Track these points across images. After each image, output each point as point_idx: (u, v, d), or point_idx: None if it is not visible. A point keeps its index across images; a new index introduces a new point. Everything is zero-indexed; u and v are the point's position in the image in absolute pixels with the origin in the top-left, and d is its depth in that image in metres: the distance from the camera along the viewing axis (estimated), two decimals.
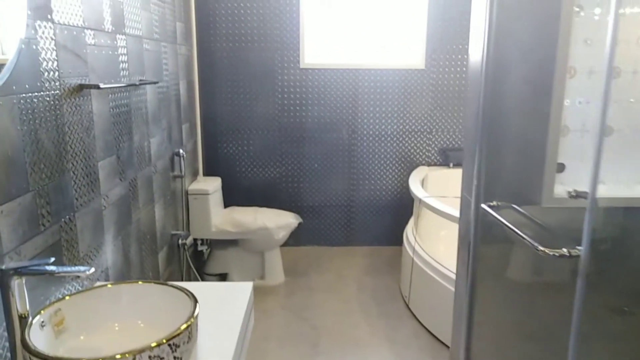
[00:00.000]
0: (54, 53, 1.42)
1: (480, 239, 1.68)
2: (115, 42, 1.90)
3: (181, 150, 2.76)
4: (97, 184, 1.72)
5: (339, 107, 3.65)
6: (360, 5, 3.52)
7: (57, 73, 1.44)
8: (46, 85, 1.37)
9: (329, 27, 3.60)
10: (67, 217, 1.49)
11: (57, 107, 1.44)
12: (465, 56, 3.58)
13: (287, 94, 3.60)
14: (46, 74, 1.38)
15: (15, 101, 1.21)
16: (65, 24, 1.49)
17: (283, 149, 3.70)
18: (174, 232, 2.69)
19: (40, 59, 1.34)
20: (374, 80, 3.60)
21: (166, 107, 2.60)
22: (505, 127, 1.63)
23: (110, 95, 1.85)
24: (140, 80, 2.18)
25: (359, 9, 3.53)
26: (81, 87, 1.59)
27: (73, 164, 1.54)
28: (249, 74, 3.55)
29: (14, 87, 1.21)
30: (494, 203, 1.55)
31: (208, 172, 3.56)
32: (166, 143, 2.59)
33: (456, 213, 2.51)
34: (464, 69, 3.60)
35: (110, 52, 1.85)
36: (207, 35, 3.46)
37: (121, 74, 1.96)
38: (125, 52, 2.00)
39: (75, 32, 1.56)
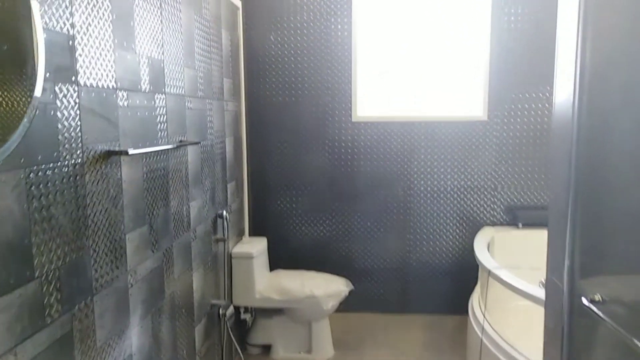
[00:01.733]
0: (77, 118, 1.28)
1: (577, 339, 1.33)
2: (153, 103, 1.77)
3: (225, 212, 2.59)
4: (123, 259, 1.54)
5: (393, 162, 3.40)
6: (416, 53, 3.32)
7: (79, 140, 1.29)
8: (65, 154, 1.22)
9: (383, 78, 3.42)
10: (83, 302, 1.30)
11: (78, 177, 1.28)
12: (533, 105, 3.27)
13: (338, 148, 3.41)
14: (66, 142, 1.23)
15: (22, 176, 1.05)
16: (93, 86, 1.36)
17: (333, 207, 3.46)
18: (214, 301, 2.47)
19: (59, 125, 1.20)
20: (431, 133, 3.34)
21: (210, 167, 2.45)
22: (612, 190, 1.29)
23: (144, 160, 1.70)
24: (181, 141, 2.04)
25: (415, 57, 3.33)
26: (109, 154, 1.44)
27: (94, 240, 1.36)
28: (299, 128, 3.40)
29: (22, 160, 1.05)
30: (598, 297, 1.21)
31: (254, 232, 3.37)
32: (209, 205, 2.43)
33: (535, 292, 2.15)
34: (531, 119, 3.28)
35: (146, 114, 1.72)
36: (256, 90, 3.36)
37: (159, 135, 1.82)
38: (164, 112, 1.87)
39: (105, 94, 1.43)
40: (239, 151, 3.02)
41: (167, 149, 1.87)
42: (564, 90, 1.38)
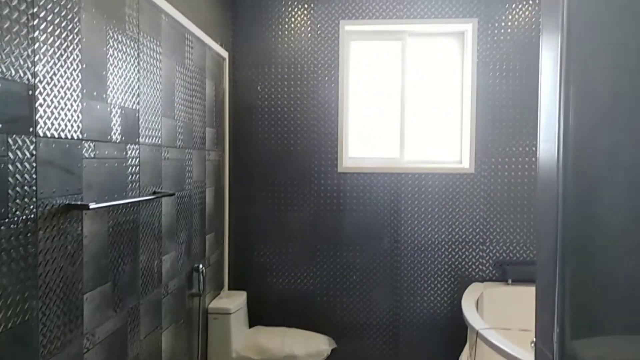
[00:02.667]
0: (33, 171, 1.21)
1: None
2: (124, 153, 1.71)
3: (201, 266, 2.47)
4: (79, 321, 1.42)
5: (380, 214, 3.33)
6: (402, 103, 3.33)
7: (34, 194, 1.21)
8: (15, 210, 1.14)
9: (370, 129, 3.41)
10: None
11: (29, 234, 1.19)
12: (520, 159, 3.24)
13: (323, 199, 3.34)
14: (17, 196, 1.15)
15: None
16: (54, 137, 1.30)
17: (318, 259, 3.35)
18: None
19: (10, 179, 1.12)
20: (418, 185, 3.29)
21: (187, 218, 2.36)
22: (601, 251, 1.22)
23: (110, 213, 1.62)
24: (155, 192, 1.97)
25: (401, 107, 3.33)
26: (69, 208, 1.36)
27: (44, 302, 1.25)
28: (284, 178, 3.34)
29: None
30: None
31: (234, 285, 3.23)
32: (184, 259, 2.32)
33: (525, 357, 2.03)
34: (518, 172, 3.25)
35: (116, 165, 1.65)
36: (241, 140, 3.32)
37: (129, 187, 1.75)
38: (136, 162, 1.80)
39: (68, 146, 1.36)
40: (220, 201, 2.94)
41: (138, 201, 1.79)
42: (548, 151, 1.33)
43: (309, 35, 3.28)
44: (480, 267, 3.31)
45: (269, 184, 3.34)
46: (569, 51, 1.28)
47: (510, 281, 3.22)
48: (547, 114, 1.39)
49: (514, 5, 3.19)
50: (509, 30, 3.20)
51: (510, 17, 3.20)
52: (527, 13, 3.19)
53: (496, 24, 3.20)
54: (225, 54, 2.96)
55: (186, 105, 2.34)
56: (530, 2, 3.19)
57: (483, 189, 3.27)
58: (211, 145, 2.75)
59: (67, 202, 1.35)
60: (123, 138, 1.70)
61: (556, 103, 1.31)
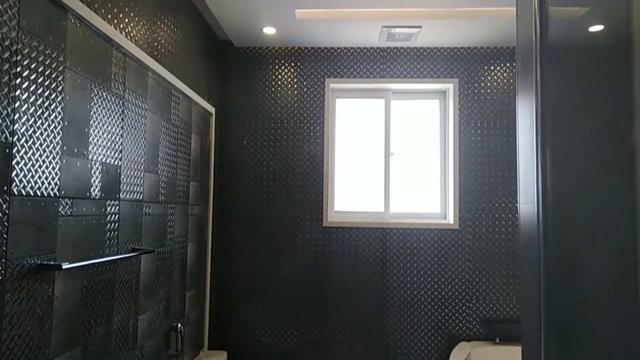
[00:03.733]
0: (4, 231, 1.17)
1: None
2: (103, 210, 1.68)
3: (179, 325, 2.38)
4: None
5: (366, 269, 3.28)
6: (385, 160, 3.36)
7: (3, 255, 1.17)
8: None
9: (355, 183, 3.42)
10: None
11: None
12: (503, 215, 3.26)
13: (308, 253, 3.29)
14: None
15: None
16: (30, 195, 1.27)
17: (302, 316, 3.26)
18: None
19: None
20: (404, 240, 3.28)
21: (166, 275, 2.30)
22: (585, 309, 1.20)
23: (84, 272, 1.56)
24: (133, 249, 1.92)
25: (385, 163, 3.37)
26: (40, 268, 1.31)
27: None
28: (268, 232, 3.30)
29: None
30: None
31: (214, 345, 3.12)
32: (162, 318, 2.24)
33: None
34: (502, 229, 3.26)
35: (94, 222, 1.61)
36: (226, 194, 3.31)
37: (107, 244, 1.70)
38: (116, 219, 1.77)
39: (44, 204, 1.33)
40: (202, 257, 2.88)
41: (116, 260, 1.74)
42: (528, 213, 1.34)
43: (296, 92, 3.35)
44: (467, 324, 3.25)
45: (253, 238, 3.30)
46: (543, 115, 1.32)
47: (497, 340, 3.15)
48: (525, 177, 1.41)
49: (492, 67, 3.31)
50: (488, 90, 3.31)
51: (489, 77, 3.31)
52: (504, 74, 3.31)
53: (476, 84, 3.31)
54: (212, 109, 3.00)
55: (170, 160, 2.33)
56: (508, 64, 3.32)
57: (468, 245, 3.27)
58: (195, 200, 2.73)
59: (39, 262, 1.31)
60: (103, 194, 1.67)
61: (534, 166, 1.33)
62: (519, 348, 3.09)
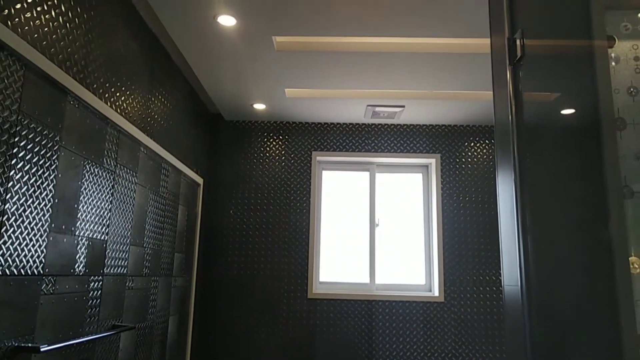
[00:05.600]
0: None
1: None
2: (86, 286, 1.66)
3: None
4: None
5: (352, 342, 3.21)
6: (370, 231, 3.40)
7: None
8: None
9: (339, 254, 3.43)
10: None
11: None
12: (487, 288, 3.27)
13: (292, 326, 3.22)
14: None
15: None
16: (14, 274, 1.26)
17: None
18: None
19: None
20: (390, 313, 3.24)
21: (146, 352, 2.23)
22: None
23: (62, 352, 1.52)
24: (114, 325, 1.88)
25: (370, 235, 3.40)
26: (17, 351, 1.28)
27: None
28: (252, 304, 3.25)
29: None
30: None
31: None
32: None
33: None
34: (487, 302, 3.26)
35: (75, 299, 1.59)
36: (210, 264, 3.28)
37: (87, 321, 1.67)
38: (98, 295, 1.74)
39: (26, 283, 1.32)
40: (183, 330, 2.81)
41: (95, 339, 1.70)
42: (513, 296, 1.37)
43: (284, 163, 3.43)
44: None
45: (237, 309, 3.24)
46: (523, 199, 1.38)
47: None
48: (508, 259, 1.45)
49: (472, 144, 3.45)
50: (469, 165, 3.43)
51: (470, 153, 3.44)
52: (485, 150, 3.45)
53: (457, 159, 3.43)
54: (200, 180, 3.04)
55: (156, 232, 2.33)
56: (487, 141, 3.47)
57: (454, 318, 3.24)
58: (178, 271, 2.70)
59: (16, 344, 1.28)
60: (87, 270, 1.66)
61: (516, 250, 1.37)
62: None
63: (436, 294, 3.27)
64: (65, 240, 1.52)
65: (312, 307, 3.26)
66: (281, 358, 3.17)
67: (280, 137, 3.47)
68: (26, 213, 1.32)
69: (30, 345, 1.33)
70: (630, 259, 1.05)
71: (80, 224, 1.62)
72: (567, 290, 1.26)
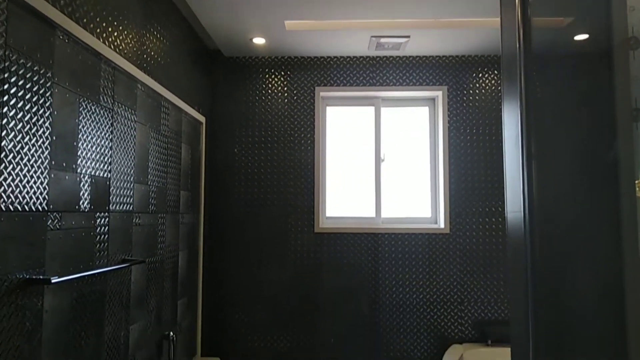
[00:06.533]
0: None
1: None
2: (92, 222, 1.70)
3: (172, 333, 2.40)
4: None
5: (358, 274, 3.30)
6: (376, 166, 3.39)
7: None
8: None
9: (345, 189, 3.45)
10: None
11: None
12: (493, 219, 3.30)
13: (300, 259, 3.31)
14: None
15: None
16: (18, 210, 1.29)
17: (295, 322, 3.28)
18: None
19: None
20: (395, 245, 3.30)
21: (158, 284, 2.32)
22: (573, 312, 1.24)
23: (74, 285, 1.58)
24: (124, 260, 1.94)
25: (376, 170, 3.40)
26: (28, 283, 1.33)
27: None
28: (260, 239, 3.32)
29: None
30: None
31: (207, 352, 3.13)
32: (153, 327, 2.25)
33: None
34: (492, 232, 3.29)
35: (83, 234, 1.63)
36: (217, 202, 3.33)
37: (97, 256, 1.72)
38: (105, 231, 1.79)
39: (32, 218, 1.35)
40: (193, 265, 2.90)
41: (106, 271, 1.76)
42: (515, 222, 1.37)
43: (286, 100, 3.38)
44: (459, 327, 3.27)
45: (245, 245, 3.32)
46: (529, 126, 1.35)
47: (489, 342, 3.18)
48: (512, 186, 1.44)
49: (480, 75, 3.35)
50: (477, 97, 3.35)
51: (477, 85, 3.35)
52: (493, 82, 3.35)
53: (465, 92, 3.35)
54: (202, 118, 3.02)
55: (160, 170, 2.35)
56: (496, 72, 3.36)
57: (459, 249, 3.30)
58: (185, 208, 2.74)
59: (27, 276, 1.32)
60: (92, 207, 1.69)
61: (520, 177, 1.36)
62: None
63: (442, 225, 3.31)
64: (67, 177, 1.54)
65: (319, 241, 3.33)
66: (290, 289, 3.29)
67: (282, 73, 3.40)
68: (24, 150, 1.33)
69: (41, 277, 1.38)
70: (636, 182, 1.03)
71: (81, 161, 1.63)
72: (570, 216, 1.26)
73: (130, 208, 2.01)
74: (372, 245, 3.31)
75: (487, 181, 3.31)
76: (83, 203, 1.64)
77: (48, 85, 1.44)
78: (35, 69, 1.37)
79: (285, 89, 3.39)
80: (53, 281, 1.34)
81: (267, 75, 3.40)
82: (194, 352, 2.92)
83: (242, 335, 3.27)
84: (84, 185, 1.64)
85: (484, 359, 3.10)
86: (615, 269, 1.06)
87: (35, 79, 1.37)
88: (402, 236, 3.31)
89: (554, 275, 1.28)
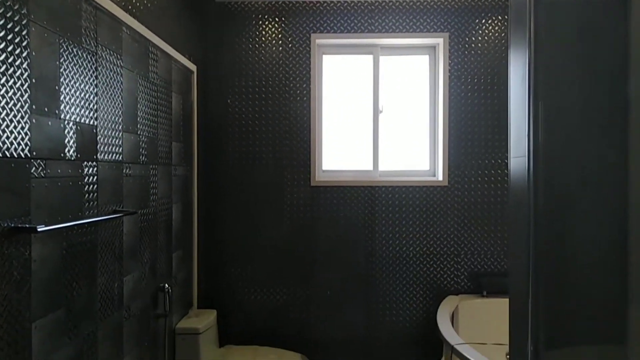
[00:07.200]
0: None
1: None
2: (80, 171, 1.63)
3: (167, 285, 2.39)
4: (26, 352, 1.33)
5: (354, 227, 3.28)
6: (374, 118, 3.31)
7: None
8: None
9: (343, 142, 3.38)
10: None
11: None
12: (492, 171, 3.25)
13: (296, 213, 3.28)
14: None
15: None
16: None
17: (291, 275, 3.29)
18: None
19: None
20: (392, 198, 3.27)
21: (151, 236, 2.28)
22: (575, 262, 1.20)
23: (64, 234, 1.53)
24: (115, 210, 1.88)
25: (374, 121, 3.32)
26: (14, 232, 1.27)
27: None
28: (255, 192, 3.28)
29: None
30: None
31: (204, 304, 3.14)
32: (148, 278, 2.23)
33: None
34: (491, 185, 3.26)
35: (70, 183, 1.57)
36: (210, 154, 3.25)
37: (86, 206, 1.67)
38: (94, 180, 1.72)
39: (13, 165, 1.29)
40: (188, 217, 2.86)
41: (96, 221, 1.71)
42: (519, 167, 1.31)
43: (280, 48, 3.25)
44: (455, 279, 3.29)
45: (240, 198, 3.28)
46: (536, 67, 1.27)
47: (485, 293, 3.21)
48: (517, 130, 1.37)
49: (483, 21, 3.22)
50: (479, 45, 3.22)
51: (480, 32, 3.22)
52: (496, 28, 3.22)
53: (467, 39, 3.22)
54: (193, 67, 2.90)
55: (150, 119, 2.26)
56: (500, 17, 3.22)
57: (457, 202, 3.27)
58: (178, 160, 2.68)
59: (12, 224, 1.27)
60: (79, 155, 1.62)
61: (525, 119, 1.29)
62: (506, 300, 3.15)
63: (440, 178, 3.27)
64: (50, 123, 1.46)
65: (315, 195, 3.29)
66: (286, 242, 3.27)
67: (277, 20, 3.25)
68: (1, 92, 1.24)
69: (27, 226, 1.32)
70: None
71: (65, 107, 1.54)
72: (577, 160, 1.19)
73: (120, 158, 1.94)
74: (369, 199, 3.28)
75: (488, 132, 3.24)
76: (69, 151, 1.56)
77: (24, 22, 1.34)
78: (7, 4, 1.27)
79: (280, 35, 3.25)
80: (39, 230, 1.29)
81: (260, 22, 3.25)
82: (190, 304, 2.93)
83: (239, 288, 3.28)
84: (68, 132, 1.56)
85: (479, 310, 3.14)
86: (623, 219, 1.01)
87: (8, 15, 1.27)
88: (400, 189, 3.27)
89: (557, 225, 1.23)
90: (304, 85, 3.25)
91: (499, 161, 3.26)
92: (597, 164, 1.17)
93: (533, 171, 1.24)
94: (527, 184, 1.25)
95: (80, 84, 1.63)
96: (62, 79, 1.53)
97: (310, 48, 3.24)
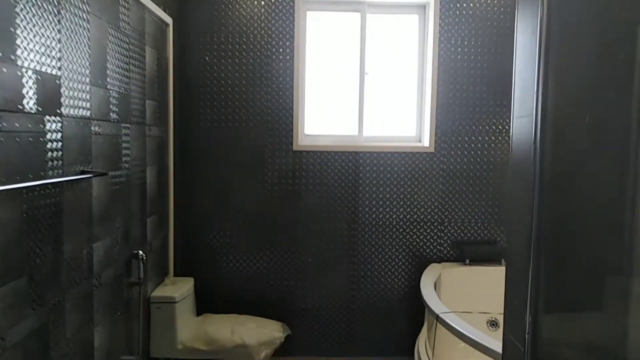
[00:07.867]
0: None
1: None
2: (41, 126, 1.46)
3: (141, 252, 2.25)
4: None
5: (337, 193, 3.18)
6: (360, 80, 3.17)
7: None
8: None
9: (326, 105, 3.24)
10: None
11: None
12: (480, 138, 3.17)
13: (277, 178, 3.16)
14: None
15: None
16: None
17: (271, 241, 3.19)
18: (124, 357, 2.12)
19: None
20: (377, 164, 3.17)
21: (124, 201, 2.13)
22: (580, 239, 1.12)
23: (24, 195, 1.38)
24: (83, 171, 1.73)
25: (360, 84, 3.18)
26: None
27: None
28: (235, 156, 3.13)
29: None
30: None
31: (180, 272, 3.03)
32: (120, 245, 2.10)
33: (489, 343, 1.95)
34: (478, 152, 3.18)
35: (30, 139, 1.41)
36: (187, 115, 3.07)
37: (49, 165, 1.51)
38: (58, 137, 1.56)
39: None
40: (163, 181, 2.71)
41: (60, 182, 1.55)
42: (523, 128, 1.20)
43: (263, 2, 3.05)
44: (438, 247, 3.25)
45: (219, 162, 3.12)
46: (549, 18, 1.15)
47: (467, 261, 3.18)
48: (522, 88, 1.25)
49: None
50: (472, 5, 3.08)
51: None
52: None
53: None
54: (169, 19, 2.69)
55: (121, 74, 2.08)
56: None
57: (442, 169, 3.19)
58: (152, 120, 2.50)
59: None
60: (39, 109, 1.45)
61: (534, 75, 1.17)
62: (488, 268, 3.14)
63: (426, 144, 3.17)
64: (4, 69, 1.28)
65: (297, 160, 3.16)
66: (266, 209, 3.16)
67: None
68: None
69: None
70: None
71: (22, 52, 1.36)
72: (590, 120, 1.08)
73: (88, 114, 1.77)
74: (353, 165, 3.17)
75: (477, 97, 3.13)
76: (28, 103, 1.39)
77: None
78: None
79: None
80: None
81: None
82: (166, 271, 2.81)
83: (217, 256, 3.17)
84: (27, 82, 1.39)
85: (461, 277, 3.11)
86: (634, 185, 0.92)
87: None
88: (385, 155, 3.17)
89: (563, 189, 1.13)
90: (287, 44, 3.07)
91: (487, 127, 3.17)
92: (612, 125, 1.06)
93: (540, 132, 1.14)
94: (532, 146, 1.15)
95: (40, 28, 1.45)
96: (17, 21, 1.34)
97: (294, 3, 3.04)
